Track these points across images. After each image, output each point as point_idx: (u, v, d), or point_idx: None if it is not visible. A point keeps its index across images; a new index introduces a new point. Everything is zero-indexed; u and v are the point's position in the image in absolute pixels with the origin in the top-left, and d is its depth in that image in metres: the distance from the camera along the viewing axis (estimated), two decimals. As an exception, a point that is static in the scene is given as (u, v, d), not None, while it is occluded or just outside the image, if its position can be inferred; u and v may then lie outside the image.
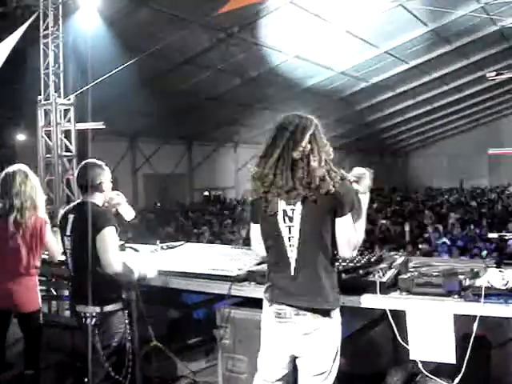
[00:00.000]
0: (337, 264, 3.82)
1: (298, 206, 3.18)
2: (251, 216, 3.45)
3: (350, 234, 3.22)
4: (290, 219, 3.20)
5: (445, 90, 26.38)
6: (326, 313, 3.22)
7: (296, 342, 3.26)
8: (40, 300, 4.79)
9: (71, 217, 4.27)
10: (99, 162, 4.35)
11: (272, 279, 3.36)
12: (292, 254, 3.23)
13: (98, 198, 4.26)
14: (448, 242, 13.18)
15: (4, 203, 4.60)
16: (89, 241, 3.89)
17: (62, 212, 4.53)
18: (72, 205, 4.44)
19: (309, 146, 3.18)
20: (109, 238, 4.04)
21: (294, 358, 3.35)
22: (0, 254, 4.59)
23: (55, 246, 4.74)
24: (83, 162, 4.39)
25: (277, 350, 3.36)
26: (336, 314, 3.29)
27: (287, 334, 3.27)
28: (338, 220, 3.18)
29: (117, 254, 4.07)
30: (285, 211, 3.21)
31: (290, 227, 3.21)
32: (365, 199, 3.42)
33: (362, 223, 3.34)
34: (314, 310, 3.19)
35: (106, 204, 4.41)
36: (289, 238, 3.22)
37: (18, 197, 4.57)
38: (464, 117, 35.38)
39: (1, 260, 4.59)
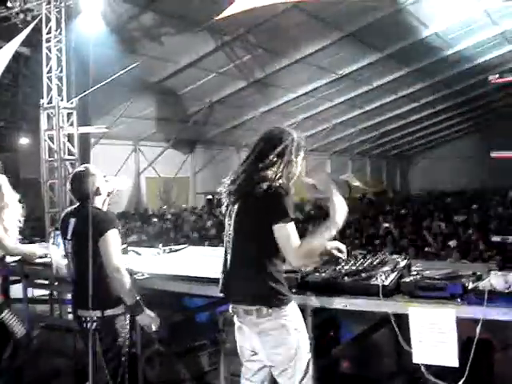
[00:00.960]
0: (339, 267, 3.83)
1: (236, 206, 3.38)
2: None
3: (284, 242, 3.23)
4: (230, 217, 3.41)
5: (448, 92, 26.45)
6: (270, 310, 3.28)
7: (250, 339, 3.42)
8: None
9: (72, 220, 4.26)
10: (88, 169, 4.33)
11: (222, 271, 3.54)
12: (229, 250, 3.42)
13: (97, 201, 4.27)
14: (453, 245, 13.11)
15: None
16: (89, 244, 3.87)
17: (62, 215, 4.53)
18: (72, 208, 4.42)
19: (274, 159, 3.35)
20: (112, 240, 4.04)
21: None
22: None
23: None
24: (73, 173, 4.44)
25: (241, 347, 3.53)
26: (284, 313, 3.32)
27: (245, 331, 3.44)
28: (274, 227, 3.23)
29: (119, 257, 4.06)
30: (230, 210, 3.43)
31: (229, 224, 3.42)
32: (338, 206, 3.35)
33: (324, 232, 3.30)
34: (257, 309, 3.28)
35: (109, 204, 4.39)
36: (228, 233, 3.42)
37: None
38: (467, 120, 35.39)
39: None
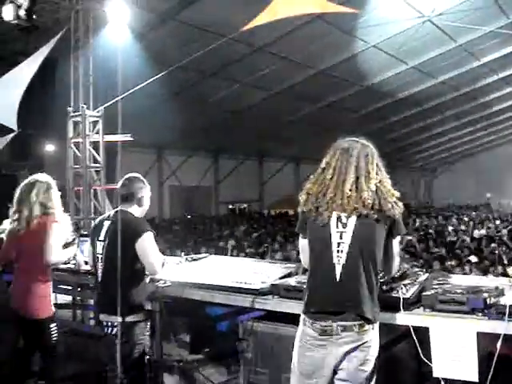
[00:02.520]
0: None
1: (353, 218, 3.29)
2: (300, 228, 3.52)
3: (397, 254, 3.44)
4: (344, 225, 3.30)
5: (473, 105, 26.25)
6: (370, 326, 3.25)
7: (334, 358, 3.26)
8: (52, 308, 4.80)
9: (107, 223, 4.36)
10: (142, 178, 4.49)
11: (313, 286, 3.40)
12: (340, 260, 3.27)
13: (136, 210, 4.35)
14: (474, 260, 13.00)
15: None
16: (120, 247, 3.94)
17: (98, 219, 4.62)
18: (109, 213, 4.52)
19: (378, 178, 3.36)
20: (149, 242, 4.14)
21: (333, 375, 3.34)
22: (16, 260, 4.73)
23: (55, 247, 4.74)
24: (128, 175, 4.48)
25: (319, 369, 3.32)
26: (377, 328, 3.32)
27: (331, 351, 3.27)
28: (393, 240, 3.38)
29: (159, 257, 4.14)
30: (339, 218, 3.31)
31: (341, 233, 3.30)
32: None
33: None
34: (360, 325, 3.22)
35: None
36: (338, 243, 3.29)
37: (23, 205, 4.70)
38: (493, 133, 35.11)
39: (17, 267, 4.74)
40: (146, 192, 4.44)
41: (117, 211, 4.36)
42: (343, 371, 3.28)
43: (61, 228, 4.77)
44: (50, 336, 4.70)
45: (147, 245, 4.10)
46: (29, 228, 4.66)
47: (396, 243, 3.40)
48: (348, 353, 3.24)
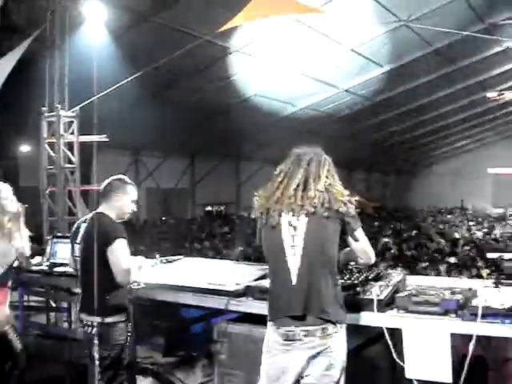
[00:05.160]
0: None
1: (303, 219, 3.32)
2: (259, 240, 3.54)
3: (365, 241, 3.49)
4: (295, 228, 3.33)
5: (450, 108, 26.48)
6: (334, 329, 3.25)
7: (299, 363, 3.26)
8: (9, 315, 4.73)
9: (84, 225, 4.34)
10: (124, 179, 4.44)
11: (273, 292, 3.45)
12: (295, 264, 3.29)
13: (113, 212, 4.30)
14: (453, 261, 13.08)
15: None
16: (96, 250, 3.93)
17: (77, 222, 4.58)
18: (87, 216, 4.48)
19: (328, 181, 3.41)
20: (119, 250, 4.07)
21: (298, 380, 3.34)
22: None
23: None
24: (112, 177, 4.44)
25: (284, 374, 3.32)
26: (343, 330, 3.31)
27: (295, 355, 3.27)
28: (354, 233, 3.42)
29: (129, 265, 4.09)
30: (290, 222, 3.35)
31: (293, 236, 3.32)
32: None
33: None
34: (323, 329, 3.22)
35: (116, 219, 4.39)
36: (291, 246, 3.31)
37: None
38: (467, 137, 35.50)
39: None
40: (123, 192, 4.36)
41: (94, 214, 4.33)
42: (309, 377, 3.28)
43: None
44: (14, 344, 4.64)
45: (116, 253, 4.04)
46: None
47: (359, 233, 3.44)
48: (312, 358, 3.24)
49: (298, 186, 3.40)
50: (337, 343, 3.26)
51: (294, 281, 3.28)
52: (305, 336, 3.23)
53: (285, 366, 3.29)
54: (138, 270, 4.29)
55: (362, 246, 3.47)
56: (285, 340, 3.28)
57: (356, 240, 3.43)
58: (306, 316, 3.24)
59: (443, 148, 37.82)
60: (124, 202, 4.37)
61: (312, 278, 3.27)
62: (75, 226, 4.51)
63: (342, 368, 3.29)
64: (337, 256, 3.38)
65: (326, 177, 3.43)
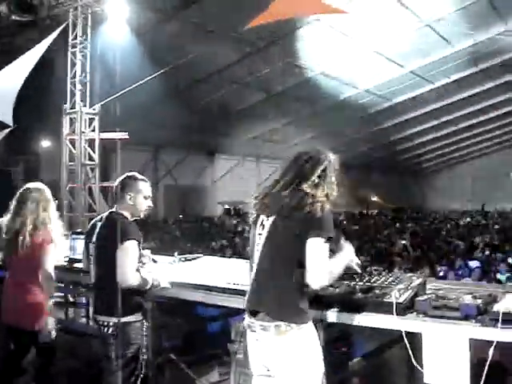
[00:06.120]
0: (353, 283, 3.82)
1: (271, 219, 3.35)
2: None
3: (317, 258, 3.18)
4: (263, 227, 3.39)
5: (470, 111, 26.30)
6: (289, 327, 3.24)
7: (265, 355, 3.33)
8: (45, 318, 4.74)
9: (99, 224, 4.33)
10: (135, 175, 4.37)
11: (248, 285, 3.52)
12: (256, 260, 3.37)
13: (127, 210, 4.29)
14: (474, 265, 12.96)
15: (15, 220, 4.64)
16: (110, 250, 3.96)
17: (92, 221, 4.56)
18: (102, 214, 4.46)
19: (317, 180, 3.37)
20: (128, 251, 4.04)
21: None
22: (11, 269, 4.66)
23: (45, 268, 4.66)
24: (125, 174, 4.40)
25: (254, 361, 3.43)
26: (303, 331, 3.28)
27: (258, 347, 3.36)
28: (308, 241, 3.18)
29: (133, 269, 4.06)
30: (262, 220, 3.41)
31: (260, 235, 3.39)
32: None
33: (338, 262, 3.39)
34: (277, 326, 3.24)
35: (132, 218, 4.38)
36: (257, 244, 3.39)
37: (29, 215, 4.62)
38: (489, 139, 35.15)
39: (12, 276, 4.67)
40: (137, 190, 4.30)
41: (109, 213, 4.33)
42: (273, 371, 3.32)
43: (54, 249, 4.72)
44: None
45: (124, 254, 4.00)
46: (20, 242, 4.55)
47: (314, 244, 3.17)
48: (273, 353, 3.28)
49: (283, 185, 3.40)
50: (294, 341, 3.25)
51: (253, 277, 3.38)
52: (262, 330, 3.29)
53: (252, 355, 3.41)
54: (139, 275, 4.21)
55: (309, 260, 3.18)
56: (248, 330, 3.39)
57: (309, 250, 3.17)
58: (260, 311, 3.30)
59: (466, 149, 37.44)
60: (138, 201, 4.30)
61: (267, 276, 3.32)
62: (90, 224, 4.49)
63: (310, 367, 3.27)
64: (297, 258, 3.22)
65: (319, 177, 3.38)
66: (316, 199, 3.27)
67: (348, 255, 3.51)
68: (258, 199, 3.51)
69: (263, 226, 3.38)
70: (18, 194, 4.76)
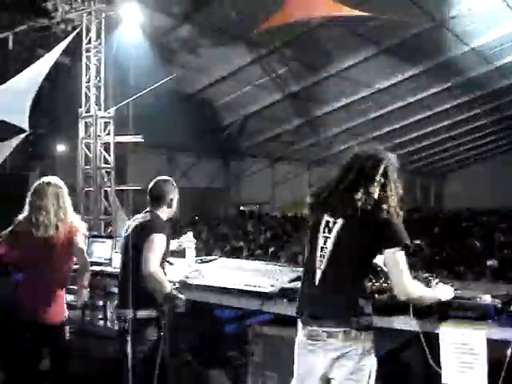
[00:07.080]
0: (370, 284, 3.80)
1: (339, 222, 3.27)
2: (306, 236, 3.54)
3: (398, 269, 3.18)
4: (330, 231, 3.29)
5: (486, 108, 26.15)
6: (357, 333, 3.18)
7: (323, 364, 3.23)
8: (66, 311, 4.79)
9: (133, 224, 4.47)
10: (173, 181, 4.62)
11: (301, 290, 3.45)
12: (321, 265, 3.28)
13: (164, 212, 4.45)
14: (491, 265, 12.83)
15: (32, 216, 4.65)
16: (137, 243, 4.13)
17: (128, 222, 4.74)
18: (139, 215, 4.58)
19: (382, 180, 3.29)
20: (156, 242, 4.17)
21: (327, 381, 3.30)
22: (31, 266, 4.65)
23: (83, 255, 4.78)
24: (158, 178, 4.59)
25: (311, 374, 3.30)
26: (368, 336, 3.24)
27: (319, 356, 3.24)
28: (385, 251, 3.19)
29: (156, 259, 4.12)
30: (327, 223, 3.31)
31: (326, 238, 3.29)
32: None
33: (431, 295, 3.42)
34: (345, 331, 3.16)
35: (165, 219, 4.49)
36: (321, 247, 3.29)
37: (47, 211, 4.64)
38: (503, 138, 34.90)
39: (31, 273, 4.67)
40: (175, 194, 4.54)
41: (145, 212, 4.48)
42: (335, 380, 3.24)
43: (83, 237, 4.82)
44: (64, 339, 4.71)
45: (151, 245, 4.14)
46: (49, 234, 4.60)
47: (392, 254, 3.17)
48: (336, 360, 3.20)
49: (347, 186, 3.30)
50: (361, 347, 3.19)
51: (317, 282, 3.28)
52: (327, 337, 3.19)
53: (311, 366, 3.28)
54: (162, 270, 4.28)
55: (390, 270, 3.22)
56: (309, 339, 3.27)
57: (387, 261, 3.21)
58: (326, 317, 3.21)
59: (475, 150, 37.15)
60: (174, 204, 4.55)
61: (335, 282, 3.24)
62: (126, 226, 4.63)
63: (369, 373, 3.23)
64: (368, 264, 3.29)
65: (382, 176, 3.30)
66: (389, 203, 3.21)
67: (442, 297, 3.45)
68: (320, 198, 3.42)
69: (329, 228, 3.30)
70: (34, 188, 4.77)
